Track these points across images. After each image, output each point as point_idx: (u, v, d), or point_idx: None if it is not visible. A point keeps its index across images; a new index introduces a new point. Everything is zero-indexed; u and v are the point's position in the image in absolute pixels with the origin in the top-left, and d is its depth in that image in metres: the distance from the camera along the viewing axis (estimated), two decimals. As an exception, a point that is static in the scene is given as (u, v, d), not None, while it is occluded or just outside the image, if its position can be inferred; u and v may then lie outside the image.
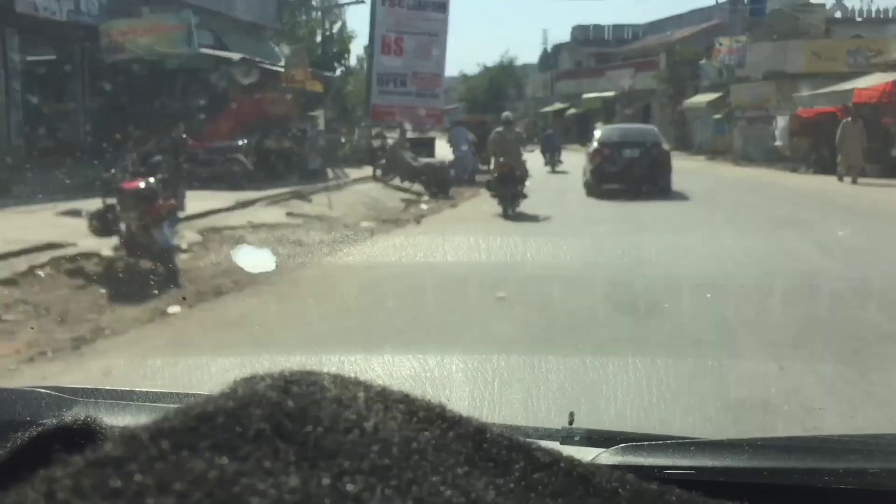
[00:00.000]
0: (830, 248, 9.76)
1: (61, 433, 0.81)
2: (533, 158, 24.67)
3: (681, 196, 17.79)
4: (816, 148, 25.10)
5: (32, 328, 5.94)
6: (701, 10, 47.65)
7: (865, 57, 31.04)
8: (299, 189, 15.68)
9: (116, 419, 1.16)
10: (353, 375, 0.64)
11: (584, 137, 33.32)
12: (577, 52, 58.16)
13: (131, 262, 8.10)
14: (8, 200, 12.07)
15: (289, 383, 0.58)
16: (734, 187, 20.93)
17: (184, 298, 6.90)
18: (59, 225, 9.82)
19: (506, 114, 17.94)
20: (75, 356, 5.40)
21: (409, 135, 29.09)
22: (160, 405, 1.31)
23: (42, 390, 1.34)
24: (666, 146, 19.24)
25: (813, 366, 4.76)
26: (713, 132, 36.89)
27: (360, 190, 17.95)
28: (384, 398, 0.62)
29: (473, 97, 61.68)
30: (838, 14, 40.01)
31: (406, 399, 0.64)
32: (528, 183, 15.31)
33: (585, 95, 51.05)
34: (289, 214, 12.45)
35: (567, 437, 1.28)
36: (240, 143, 16.74)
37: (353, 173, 21.38)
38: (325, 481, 0.50)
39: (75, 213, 9.82)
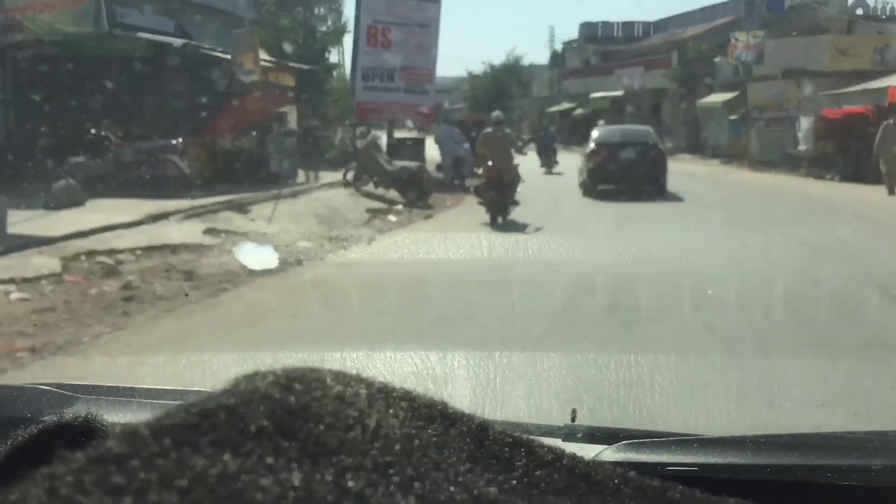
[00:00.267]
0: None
1: (62, 430, 0.80)
2: (527, 161, 22.61)
3: (693, 207, 15.49)
4: (844, 152, 22.64)
5: None
6: (714, 5, 45.32)
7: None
8: (242, 198, 13.28)
9: (118, 416, 1.16)
10: (354, 372, 0.62)
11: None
12: (585, 50, 55.84)
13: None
14: None
15: (290, 380, 0.57)
16: (754, 196, 18.45)
17: None
18: None
19: (496, 113, 16.04)
20: None
21: (398, 134, 27.04)
22: (162, 402, 1.31)
23: (43, 387, 1.35)
24: (662, 147, 19.35)
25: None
26: (728, 134, 34.27)
27: (322, 197, 15.57)
28: (386, 395, 0.62)
29: (476, 96, 60.09)
30: (860, 11, 38.06)
31: (408, 396, 0.63)
32: (519, 188, 14.05)
33: (593, 95, 48.73)
34: (207, 232, 10.07)
35: (569, 434, 1.30)
36: (173, 142, 14.33)
37: (331, 177, 19.07)
38: (327, 478, 0.50)
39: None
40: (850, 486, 1.09)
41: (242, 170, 16.82)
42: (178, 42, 16.07)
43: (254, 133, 18.97)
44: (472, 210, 15.95)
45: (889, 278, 7.69)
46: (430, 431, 0.60)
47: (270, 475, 0.48)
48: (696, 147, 37.60)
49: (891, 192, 17.36)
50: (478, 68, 67.77)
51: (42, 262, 7.54)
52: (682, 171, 28.33)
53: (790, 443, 1.30)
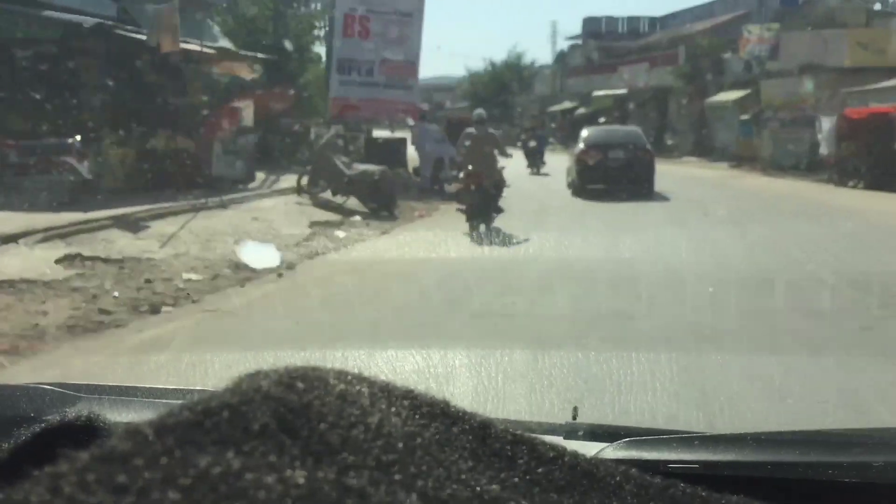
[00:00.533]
0: None
1: (65, 429, 0.79)
2: (513, 161, 20.57)
3: (696, 218, 13.16)
4: (869, 156, 20.19)
5: None
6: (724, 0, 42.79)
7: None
8: (151, 209, 10.90)
9: (120, 415, 1.16)
10: (356, 371, 0.62)
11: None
12: (588, 47, 53.48)
13: None
14: None
15: (293, 379, 0.57)
16: (771, 207, 16.02)
17: None
18: None
19: (478, 111, 14.47)
20: None
21: (380, 133, 24.65)
22: (164, 401, 1.31)
23: (46, 386, 1.34)
24: (650, 147, 19.59)
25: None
26: (739, 135, 31.72)
27: (261, 208, 13.19)
28: (388, 393, 0.62)
29: (476, 93, 58.22)
30: (878, 6, 35.94)
31: (410, 394, 0.64)
32: (505, 193, 12.69)
33: (595, 93, 46.35)
34: (63, 260, 7.67)
35: (571, 431, 1.29)
36: (69, 140, 11.92)
37: (294, 181, 16.65)
38: (330, 476, 0.50)
39: None
40: (850, 482, 1.10)
41: (179, 174, 14.48)
42: (89, 21, 13.67)
43: (201, 130, 16.64)
44: (444, 221, 13.93)
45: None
46: (432, 430, 0.60)
47: (273, 473, 0.48)
48: (704, 149, 35.12)
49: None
50: (478, 65, 65.82)
51: None
52: (687, 175, 26.06)
53: (791, 440, 1.29)
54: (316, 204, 14.52)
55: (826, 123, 21.68)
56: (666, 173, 25.91)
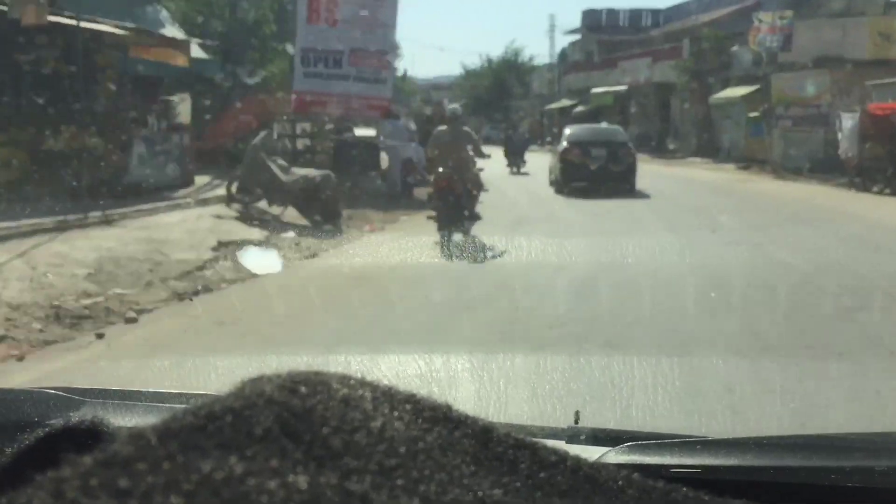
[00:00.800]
0: None
1: (68, 434, 0.78)
2: (492, 161, 18.52)
3: (700, 231, 10.90)
4: (894, 157, 17.77)
5: None
6: (731, -9, 40.35)
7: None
8: (9, 228, 8.50)
9: (124, 420, 1.16)
10: (359, 375, 0.62)
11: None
12: (588, 41, 51.03)
13: None
14: None
15: (296, 383, 0.58)
16: (787, 219, 13.58)
17: None
18: None
19: (452, 107, 13.45)
20: None
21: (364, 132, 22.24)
22: (168, 405, 1.30)
23: (49, 391, 1.33)
24: (632, 146, 19.93)
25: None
26: (747, 134, 29.23)
27: (162, 223, 10.81)
28: (390, 398, 0.62)
29: (473, 92, 56.29)
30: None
31: (412, 399, 0.64)
32: (481, 198, 11.58)
33: (594, 90, 43.93)
34: None
35: (573, 436, 1.29)
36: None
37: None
38: (333, 481, 0.50)
39: None
40: (853, 487, 1.09)
41: (85, 178, 12.17)
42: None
43: (131, 126, 14.28)
44: (403, 234, 11.57)
45: None
46: (434, 434, 0.60)
47: (276, 478, 0.48)
48: (709, 149, 32.67)
49: None
50: (474, 62, 63.83)
51: None
52: (690, 177, 23.65)
53: (794, 444, 1.28)
54: (243, 217, 12.14)
55: (848, 121, 19.20)
56: (667, 176, 23.56)
